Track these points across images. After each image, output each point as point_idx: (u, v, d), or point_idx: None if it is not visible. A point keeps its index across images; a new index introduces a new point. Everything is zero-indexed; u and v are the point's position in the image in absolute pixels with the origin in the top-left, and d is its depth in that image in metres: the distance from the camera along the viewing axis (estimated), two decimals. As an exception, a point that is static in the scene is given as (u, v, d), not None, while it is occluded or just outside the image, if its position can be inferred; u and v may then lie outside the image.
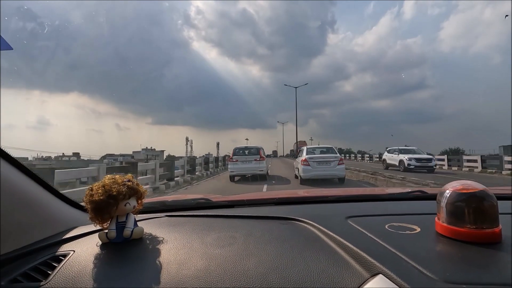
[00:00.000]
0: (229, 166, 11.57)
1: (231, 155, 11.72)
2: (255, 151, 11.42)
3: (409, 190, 1.05)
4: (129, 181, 0.74)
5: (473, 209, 0.52)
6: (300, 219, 0.78)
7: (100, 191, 0.69)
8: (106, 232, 0.70)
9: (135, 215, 0.76)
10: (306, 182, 9.19)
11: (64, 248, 0.70)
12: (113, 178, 0.72)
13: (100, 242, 0.69)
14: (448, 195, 0.56)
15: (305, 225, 0.75)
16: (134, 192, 0.73)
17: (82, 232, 0.78)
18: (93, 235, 0.75)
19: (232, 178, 11.12)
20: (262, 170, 10.86)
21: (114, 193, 0.68)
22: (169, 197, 1.28)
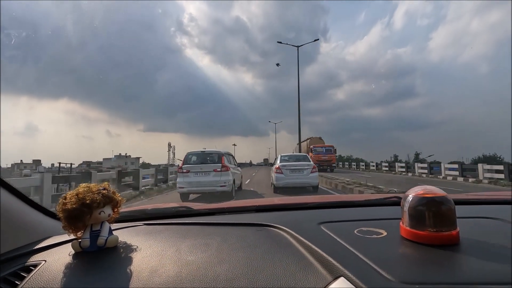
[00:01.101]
0: (177, 180, 8.25)
1: (181, 163, 8.33)
2: (215, 158, 8.17)
3: (385, 197, 1.11)
4: (104, 189, 0.73)
5: (432, 213, 0.57)
6: (274, 225, 0.81)
7: (73, 199, 0.68)
8: (80, 241, 0.68)
9: (112, 224, 0.76)
10: (280, 190, 9.14)
11: (35, 258, 0.68)
12: (87, 186, 0.71)
13: (73, 252, 0.68)
14: (410, 200, 0.60)
15: (279, 231, 0.77)
16: (110, 200, 0.73)
17: (55, 242, 0.76)
18: (66, 244, 0.73)
19: (184, 197, 8.06)
20: (224, 185, 7.72)
21: (88, 201, 0.68)
22: (150, 206, 1.26)
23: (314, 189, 9.33)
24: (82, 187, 0.71)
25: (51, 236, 0.81)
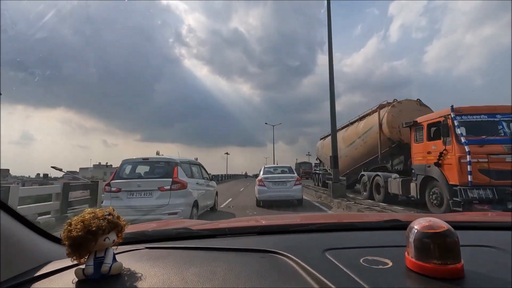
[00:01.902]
0: (103, 203, 5.88)
1: (111, 178, 5.60)
2: (165, 170, 5.55)
3: (384, 219, 1.14)
4: (109, 214, 0.72)
5: (437, 245, 0.59)
6: (279, 251, 0.81)
7: (79, 226, 0.66)
8: (83, 269, 0.66)
9: (115, 248, 0.74)
10: (264, 203, 8.84)
11: (36, 286, 0.65)
12: (93, 212, 0.70)
13: (76, 279, 0.66)
14: (415, 232, 0.63)
15: (285, 258, 0.77)
16: (115, 226, 0.72)
17: (57, 268, 0.73)
18: (68, 271, 0.71)
19: None
20: (175, 212, 5.18)
21: (94, 229, 0.66)
22: (149, 226, 1.23)
23: (298, 202, 9.16)
24: (88, 213, 0.70)
25: (52, 261, 0.78)
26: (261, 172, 9.67)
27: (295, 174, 9.50)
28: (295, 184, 8.94)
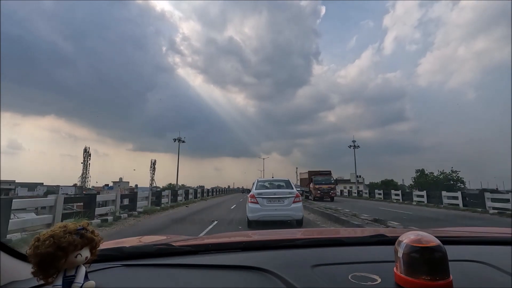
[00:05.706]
0: None
1: None
2: None
3: (371, 234, 1.10)
4: (83, 229, 0.67)
5: (427, 260, 0.57)
6: (267, 269, 0.76)
7: (47, 242, 0.61)
8: None
9: (87, 265, 0.69)
10: (256, 224, 7.42)
11: None
12: (64, 226, 0.65)
13: None
14: (404, 246, 0.60)
15: (272, 276, 0.73)
16: (89, 242, 0.67)
17: None
18: None
19: None
20: None
21: (64, 245, 0.61)
22: (126, 241, 1.17)
23: (298, 223, 7.66)
24: (59, 226, 0.65)
25: (15, 281, 0.72)
26: (254, 187, 8.20)
27: (294, 190, 7.95)
28: (294, 202, 7.54)
